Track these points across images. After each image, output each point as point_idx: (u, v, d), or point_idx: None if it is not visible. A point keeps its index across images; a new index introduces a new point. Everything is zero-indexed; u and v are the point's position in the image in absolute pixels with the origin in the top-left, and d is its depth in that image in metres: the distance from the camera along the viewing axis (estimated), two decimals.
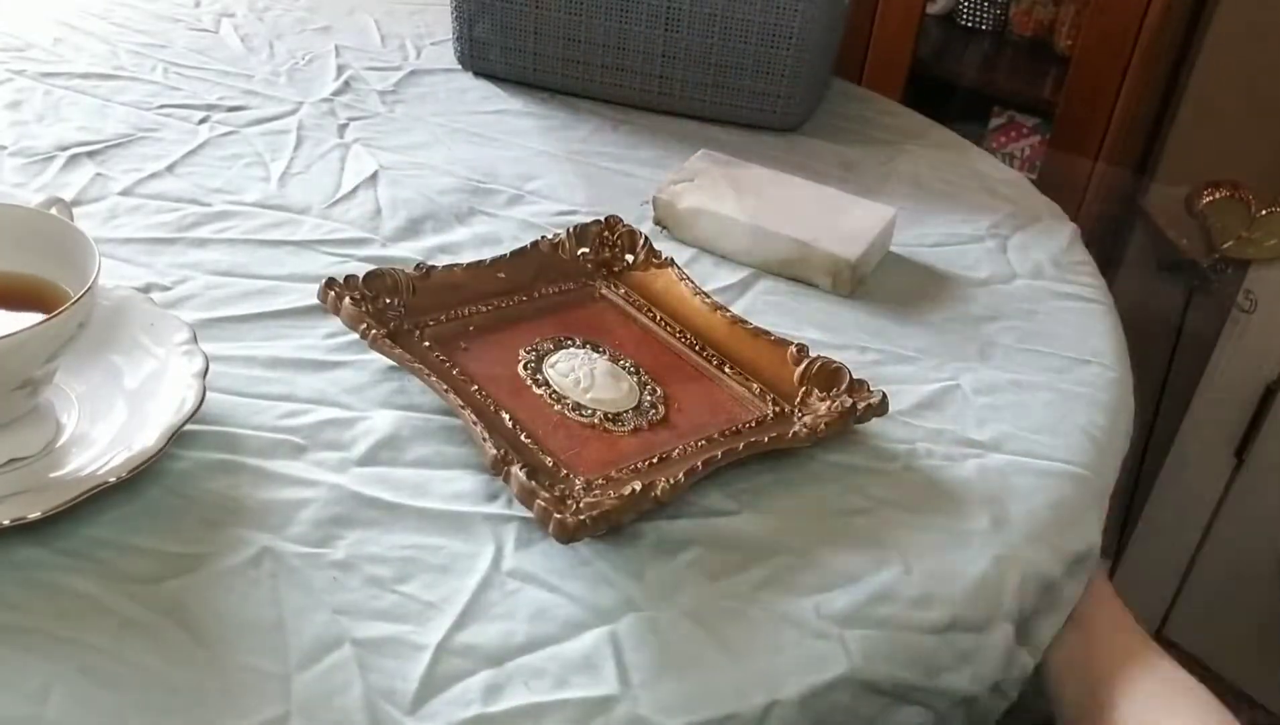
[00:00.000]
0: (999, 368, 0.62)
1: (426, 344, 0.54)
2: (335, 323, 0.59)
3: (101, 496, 0.43)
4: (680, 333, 0.59)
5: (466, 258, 0.66)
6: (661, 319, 0.60)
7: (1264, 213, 1.17)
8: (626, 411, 0.53)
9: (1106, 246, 1.30)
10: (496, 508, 0.47)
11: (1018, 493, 0.52)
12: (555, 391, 0.53)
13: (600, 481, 0.48)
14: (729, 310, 0.60)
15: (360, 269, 0.63)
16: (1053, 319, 0.67)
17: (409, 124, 0.83)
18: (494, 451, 0.46)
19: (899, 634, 0.44)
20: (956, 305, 0.67)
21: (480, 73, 0.92)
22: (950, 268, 0.71)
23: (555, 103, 0.89)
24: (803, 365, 0.55)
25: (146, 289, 0.58)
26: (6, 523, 0.41)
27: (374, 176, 0.74)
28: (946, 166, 0.85)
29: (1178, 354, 1.37)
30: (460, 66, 0.93)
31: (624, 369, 0.56)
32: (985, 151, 0.92)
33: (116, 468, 0.44)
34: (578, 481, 0.47)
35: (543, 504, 0.43)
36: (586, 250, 0.64)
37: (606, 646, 0.41)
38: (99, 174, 0.71)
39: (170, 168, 0.72)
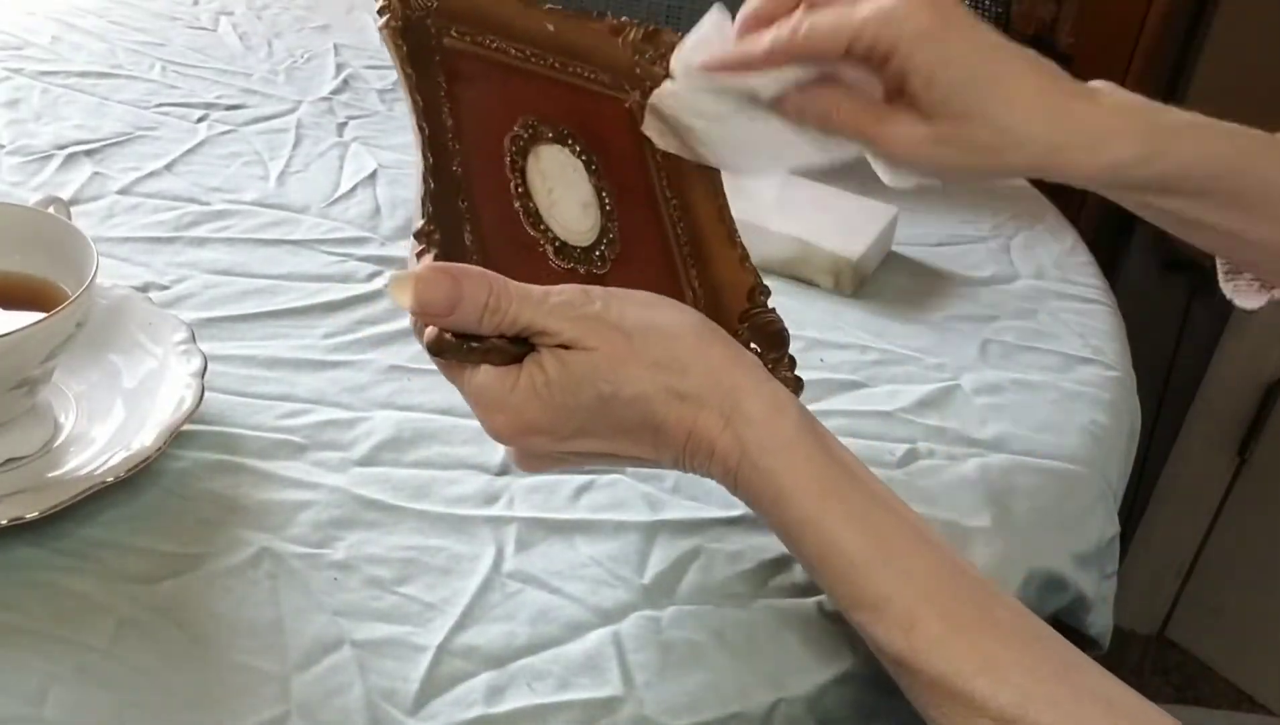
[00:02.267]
0: (1001, 367, 0.61)
1: (437, 58, 0.48)
2: (335, 322, 0.58)
3: (99, 496, 0.43)
4: (671, 199, 0.52)
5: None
6: (664, 175, 0.52)
7: None
8: (577, 248, 0.46)
9: (1108, 246, 1.30)
10: (497, 510, 0.47)
11: (1020, 492, 0.52)
12: (523, 186, 0.47)
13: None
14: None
15: (360, 268, 0.64)
16: (1055, 319, 0.67)
17: (408, 122, 0.82)
18: (422, 222, 0.41)
19: None
20: (958, 305, 0.67)
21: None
22: (952, 267, 0.71)
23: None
24: (752, 307, 0.49)
25: (145, 288, 0.58)
26: (4, 522, 0.41)
27: (373, 175, 0.74)
28: None
29: (1179, 353, 1.37)
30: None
31: (600, 204, 0.49)
32: None
33: (114, 467, 0.44)
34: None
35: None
36: (649, 53, 0.54)
37: (610, 647, 0.41)
38: (97, 173, 0.70)
39: (169, 166, 0.72)
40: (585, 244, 0.47)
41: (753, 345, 0.48)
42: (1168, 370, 1.38)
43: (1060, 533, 0.51)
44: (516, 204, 0.46)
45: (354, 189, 0.72)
